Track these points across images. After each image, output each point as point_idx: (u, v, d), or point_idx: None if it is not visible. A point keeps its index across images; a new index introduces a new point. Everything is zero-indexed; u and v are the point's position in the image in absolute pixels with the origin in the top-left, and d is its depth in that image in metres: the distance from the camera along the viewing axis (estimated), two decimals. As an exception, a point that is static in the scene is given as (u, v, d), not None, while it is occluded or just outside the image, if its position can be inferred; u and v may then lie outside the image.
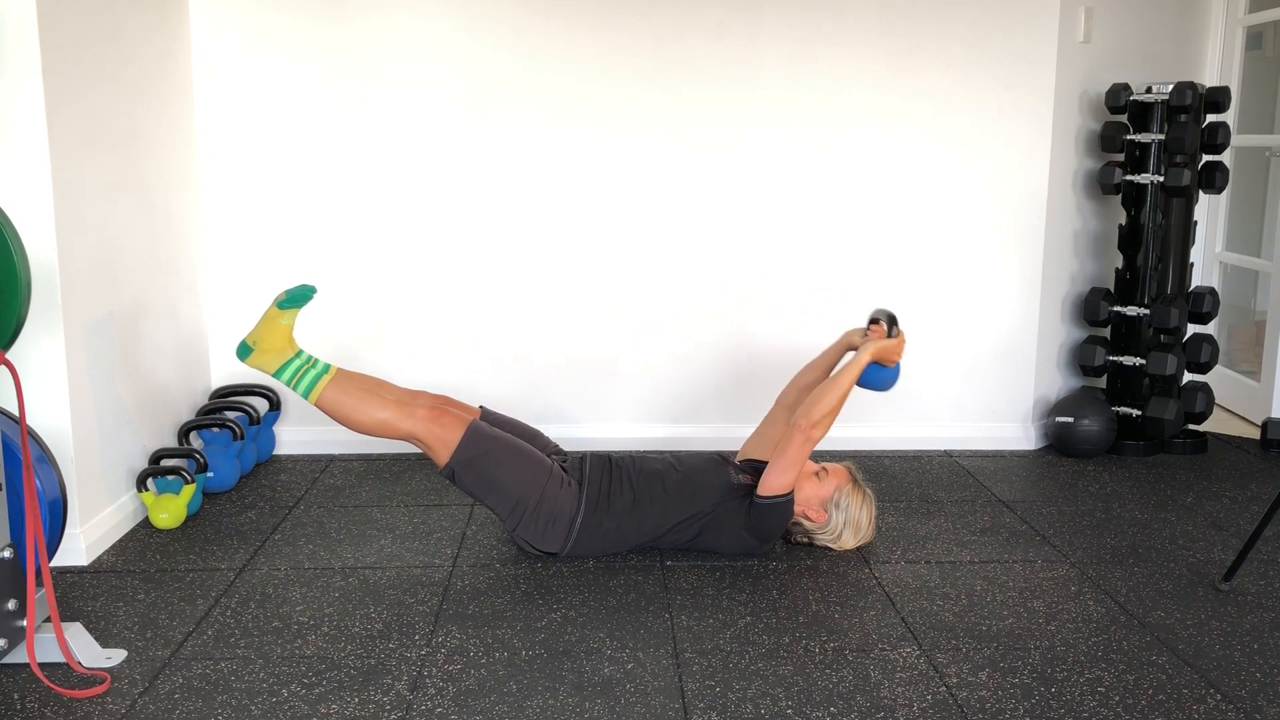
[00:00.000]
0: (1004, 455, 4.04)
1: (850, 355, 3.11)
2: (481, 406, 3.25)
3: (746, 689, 2.31)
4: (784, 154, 3.93)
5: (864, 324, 3.28)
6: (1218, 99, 3.93)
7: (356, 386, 2.92)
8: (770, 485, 2.92)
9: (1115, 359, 4.08)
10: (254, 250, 3.89)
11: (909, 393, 4.08)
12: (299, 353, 2.90)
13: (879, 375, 3.03)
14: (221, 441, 3.50)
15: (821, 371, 3.21)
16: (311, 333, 3.90)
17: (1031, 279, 4.05)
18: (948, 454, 4.03)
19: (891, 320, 3.03)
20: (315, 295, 3.16)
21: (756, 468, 3.10)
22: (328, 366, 2.91)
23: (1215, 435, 4.26)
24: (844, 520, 3.03)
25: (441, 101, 3.83)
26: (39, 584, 2.42)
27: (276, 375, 2.88)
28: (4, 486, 2.29)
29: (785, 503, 2.94)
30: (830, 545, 3.07)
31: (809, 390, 3.18)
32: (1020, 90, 3.94)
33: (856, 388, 3.05)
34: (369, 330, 3.95)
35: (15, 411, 2.66)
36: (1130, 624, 2.64)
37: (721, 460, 3.09)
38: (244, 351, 2.90)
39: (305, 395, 2.88)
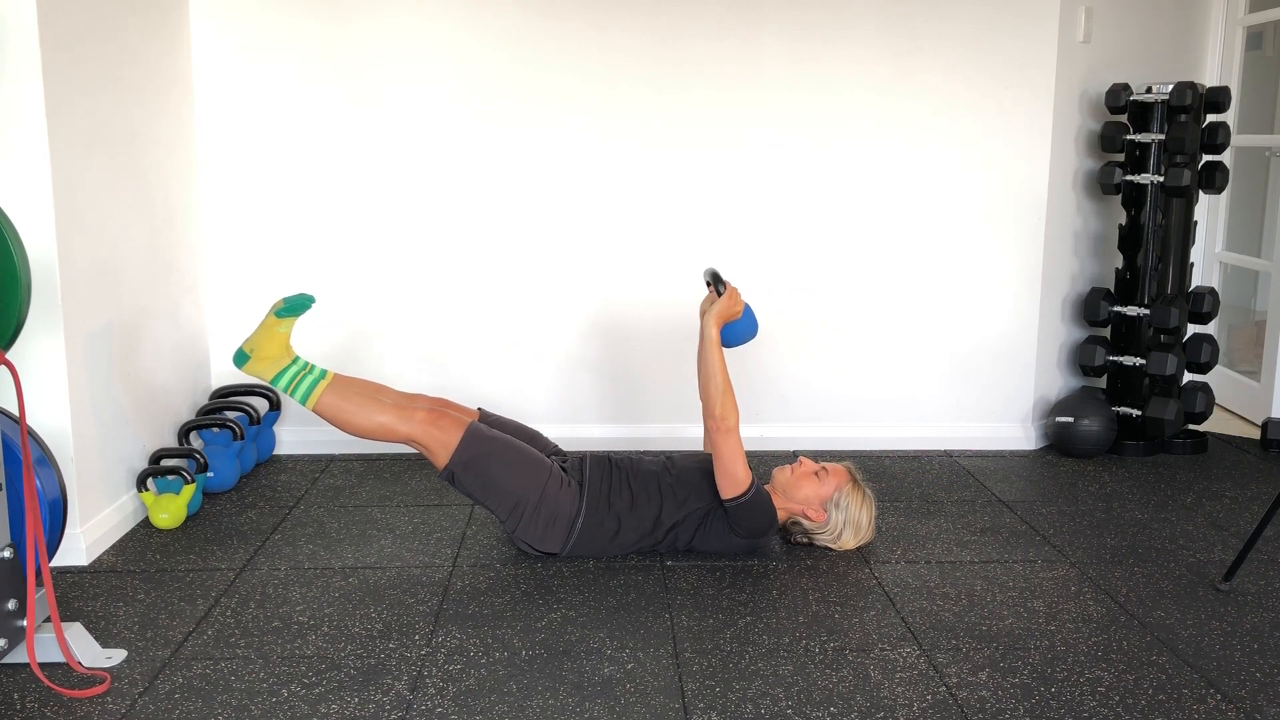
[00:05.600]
0: (1004, 455, 4.04)
1: None
2: (480, 408, 3.25)
3: (746, 689, 2.32)
4: (784, 154, 3.93)
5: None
6: (1218, 99, 3.93)
7: (354, 391, 2.91)
8: (727, 488, 2.90)
9: (1115, 359, 4.08)
10: (254, 250, 3.89)
11: (909, 393, 4.09)
12: (295, 359, 2.90)
13: (734, 332, 2.97)
14: (221, 441, 3.50)
15: None
16: (311, 332, 3.90)
17: (1031, 279, 4.05)
18: (948, 454, 4.03)
19: (715, 278, 2.96)
20: (313, 304, 3.15)
21: None
22: (324, 372, 2.91)
23: (1215, 435, 4.26)
24: (844, 520, 3.03)
25: (442, 101, 3.83)
26: (39, 584, 2.42)
27: (274, 382, 2.88)
28: (4, 486, 2.29)
29: (753, 496, 2.91)
30: (830, 545, 3.07)
31: None
32: (1020, 90, 3.94)
33: (731, 350, 2.94)
34: (368, 329, 3.95)
35: (15, 411, 2.66)
36: (1130, 624, 2.64)
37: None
38: (241, 359, 2.89)
39: (303, 401, 2.88)
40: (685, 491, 2.99)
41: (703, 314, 2.98)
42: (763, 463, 3.75)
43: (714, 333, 2.90)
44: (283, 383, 2.87)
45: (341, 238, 3.89)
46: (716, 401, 2.86)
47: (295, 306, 2.87)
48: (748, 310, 2.97)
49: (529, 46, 3.82)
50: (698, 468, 3.04)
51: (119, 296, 3.21)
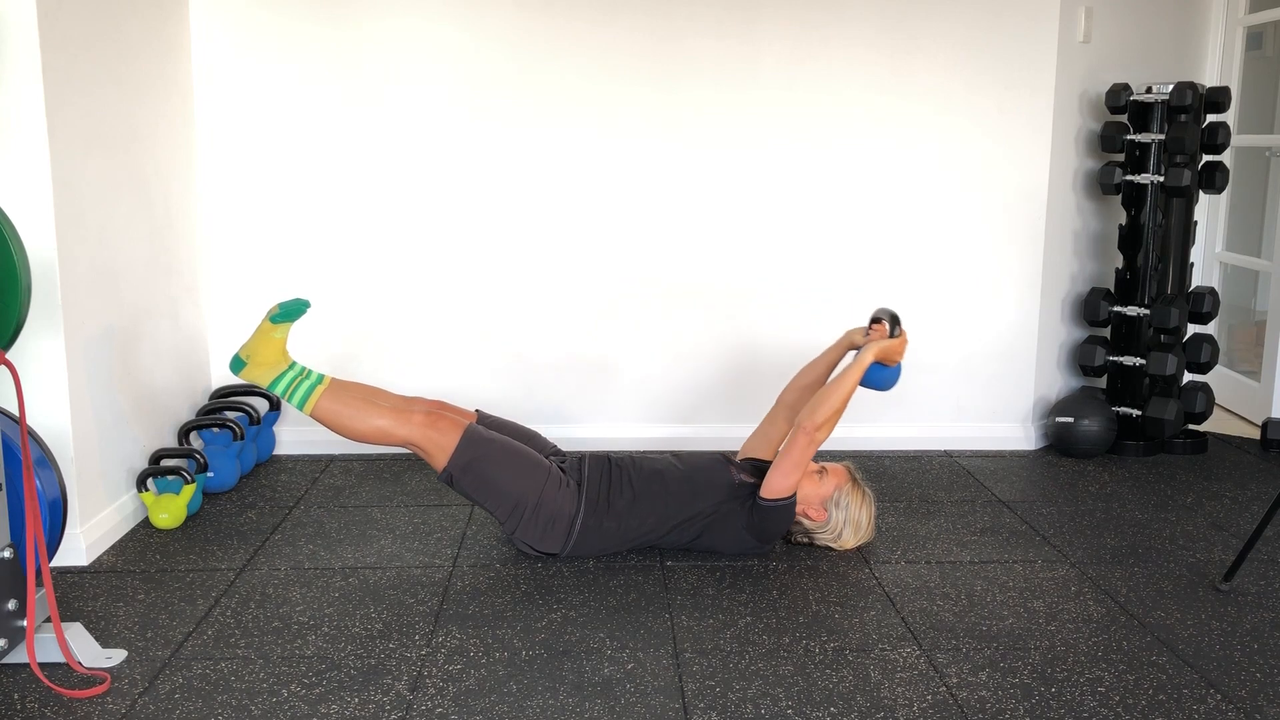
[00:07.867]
0: (1004, 455, 4.04)
1: (852, 354, 3.11)
2: (478, 410, 3.24)
3: (746, 689, 2.32)
4: (783, 153, 3.93)
5: (866, 323, 3.29)
6: (1218, 99, 3.93)
7: (351, 395, 2.91)
8: (774, 487, 2.92)
9: (1115, 359, 4.08)
10: (254, 250, 3.89)
11: (909, 393, 4.09)
12: (292, 364, 2.89)
13: (880, 375, 3.03)
14: (222, 441, 3.50)
15: (823, 371, 3.21)
16: (312, 333, 3.90)
17: (1031, 279, 4.05)
18: (948, 454, 4.03)
19: (894, 320, 3.03)
20: (309, 309, 3.15)
21: (758, 467, 3.10)
22: (321, 377, 2.91)
23: (1215, 435, 4.26)
24: (844, 519, 3.03)
25: (442, 102, 3.84)
26: (39, 584, 2.42)
27: (271, 388, 2.88)
28: (4, 486, 2.29)
29: (788, 505, 2.94)
30: (830, 545, 3.07)
31: (810, 390, 3.19)
32: (1020, 90, 3.94)
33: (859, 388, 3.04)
34: (368, 329, 3.95)
35: (15, 411, 2.66)
36: (1130, 624, 2.64)
37: (724, 460, 3.09)
38: (238, 365, 2.89)
39: (300, 407, 2.88)
40: (693, 489, 2.99)
41: (856, 344, 3.10)
42: (763, 463, 3.75)
43: (868, 361, 2.97)
44: (280, 388, 2.87)
45: (342, 238, 3.90)
46: (823, 415, 2.89)
47: (290, 312, 2.86)
48: (900, 366, 3.05)
49: (529, 47, 3.82)
50: (706, 468, 3.04)
51: (119, 297, 3.21)
